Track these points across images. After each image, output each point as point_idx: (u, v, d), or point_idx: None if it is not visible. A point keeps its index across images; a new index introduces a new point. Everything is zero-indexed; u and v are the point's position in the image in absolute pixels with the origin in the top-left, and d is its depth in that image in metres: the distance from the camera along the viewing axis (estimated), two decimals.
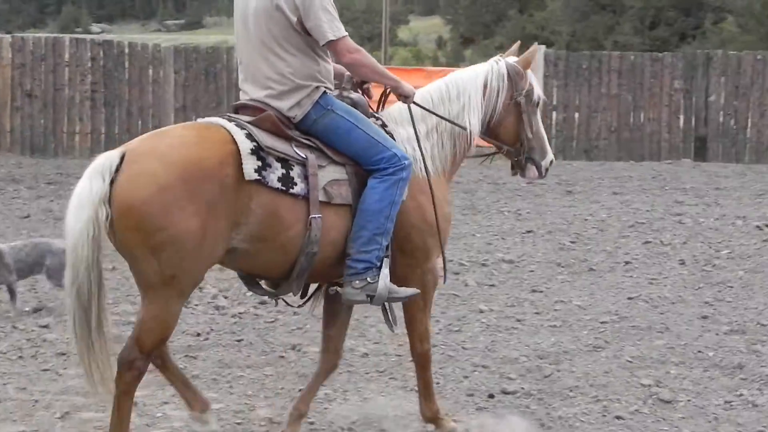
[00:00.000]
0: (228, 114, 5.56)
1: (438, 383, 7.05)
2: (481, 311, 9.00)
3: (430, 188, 5.75)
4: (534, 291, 9.82)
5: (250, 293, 9.26)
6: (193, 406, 5.82)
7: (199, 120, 5.60)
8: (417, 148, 5.81)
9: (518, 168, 6.26)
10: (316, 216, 5.31)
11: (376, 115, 5.92)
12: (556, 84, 22.21)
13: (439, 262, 5.93)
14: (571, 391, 6.92)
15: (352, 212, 5.48)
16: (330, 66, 5.69)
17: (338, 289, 5.66)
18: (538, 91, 6.23)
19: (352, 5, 73.85)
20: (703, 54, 22.97)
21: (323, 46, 5.49)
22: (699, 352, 7.84)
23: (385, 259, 5.51)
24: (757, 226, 13.21)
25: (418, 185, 5.73)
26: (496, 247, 11.94)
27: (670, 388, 6.95)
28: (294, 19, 5.41)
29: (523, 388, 6.96)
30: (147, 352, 5.18)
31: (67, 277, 5.14)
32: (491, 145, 6.29)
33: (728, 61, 22.35)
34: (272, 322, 8.59)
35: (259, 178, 5.17)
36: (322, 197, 5.36)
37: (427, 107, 5.94)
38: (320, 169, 5.42)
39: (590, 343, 8.08)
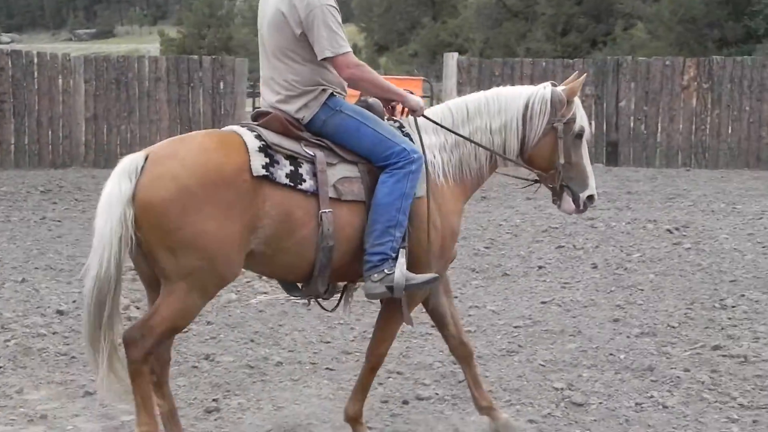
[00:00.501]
0: (246, 122, 5.81)
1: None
2: None
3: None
4: (323, 309, 9.80)
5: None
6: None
7: (221, 129, 5.85)
8: (437, 155, 5.96)
9: (555, 196, 6.22)
10: (327, 211, 5.49)
11: (395, 118, 6.07)
12: (470, 90, 22.20)
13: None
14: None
15: (366, 209, 5.63)
16: (329, 74, 5.83)
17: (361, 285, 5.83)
18: (582, 122, 6.14)
19: None
20: (613, 60, 23.25)
21: (321, 60, 5.67)
22: (610, 354, 7.92)
23: (401, 249, 5.62)
24: (668, 230, 13.39)
25: (433, 190, 5.82)
26: None
27: (582, 391, 7.01)
28: (298, 32, 5.65)
29: (437, 394, 6.98)
30: (156, 335, 5.32)
31: (91, 274, 5.31)
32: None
33: (638, 67, 22.65)
34: (185, 332, 8.50)
35: (267, 174, 5.38)
36: (332, 194, 5.55)
37: (436, 120, 6.03)
38: (330, 166, 5.61)
39: (504, 347, 8.13)
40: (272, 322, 8.85)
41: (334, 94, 5.80)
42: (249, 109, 25.02)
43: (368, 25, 71.43)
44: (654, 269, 11.07)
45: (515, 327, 8.73)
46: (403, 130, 5.93)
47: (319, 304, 6.08)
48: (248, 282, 10.24)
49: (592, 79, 22.34)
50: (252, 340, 8.28)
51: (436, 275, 5.75)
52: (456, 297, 9.74)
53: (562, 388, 7.06)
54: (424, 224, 5.70)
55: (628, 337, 8.45)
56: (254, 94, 25.89)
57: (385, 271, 5.57)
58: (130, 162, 5.30)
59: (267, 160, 5.42)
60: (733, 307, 9.37)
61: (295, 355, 7.91)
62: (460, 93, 21.96)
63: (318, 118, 5.73)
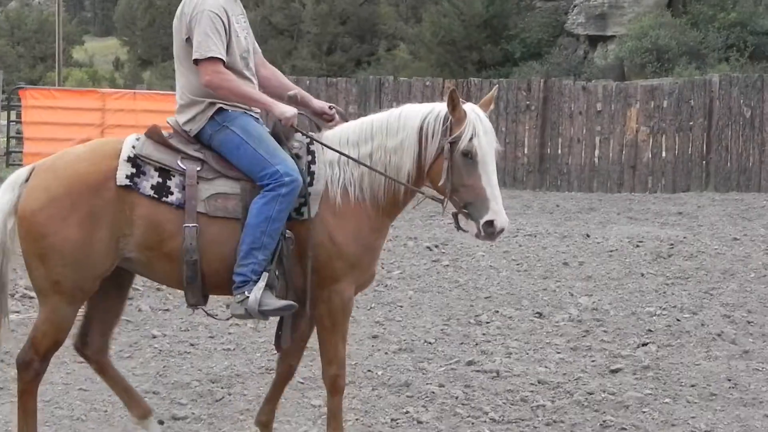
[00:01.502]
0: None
1: (106, 411, 6.91)
2: (154, 336, 8.86)
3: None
4: (209, 315, 9.69)
5: None
6: (134, 413, 6.13)
7: (114, 138, 6.01)
8: (338, 171, 5.84)
9: (456, 221, 5.86)
10: (191, 225, 5.51)
11: (311, 135, 5.96)
12: None
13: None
14: (242, 414, 6.90)
15: (241, 227, 5.61)
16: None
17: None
18: (469, 141, 5.61)
19: (23, 25, 71.51)
20: (376, 80, 23.61)
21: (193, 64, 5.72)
22: (368, 371, 7.99)
23: (264, 272, 5.57)
24: (428, 247, 13.64)
25: (331, 207, 5.77)
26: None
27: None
28: (185, 37, 5.73)
29: (194, 413, 6.89)
30: (42, 354, 5.69)
31: None
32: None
33: (399, 87, 23.08)
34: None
35: (129, 184, 5.53)
36: (201, 209, 5.56)
37: (335, 138, 5.96)
38: (206, 181, 5.62)
39: (263, 365, 8.10)
40: (24, 342, 8.53)
41: (224, 108, 5.77)
42: (3, 122, 24.25)
43: (131, 39, 70.26)
44: (413, 286, 11.26)
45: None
46: (310, 147, 5.89)
47: (206, 312, 6.18)
48: None
49: (355, 98, 22.62)
50: (2, 361, 7.97)
51: (292, 303, 5.65)
52: (216, 315, 9.66)
53: (319, 405, 7.07)
54: (320, 244, 5.69)
55: (386, 353, 8.54)
56: (9, 107, 25.05)
57: (245, 293, 5.57)
58: (15, 175, 5.60)
59: (134, 170, 5.55)
60: (488, 323, 9.61)
61: (47, 376, 7.64)
62: None
63: (205, 132, 5.77)
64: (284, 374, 6.25)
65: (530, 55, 41.76)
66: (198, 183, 5.63)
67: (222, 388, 7.47)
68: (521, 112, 23.25)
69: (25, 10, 79.19)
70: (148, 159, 5.62)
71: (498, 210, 5.58)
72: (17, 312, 9.50)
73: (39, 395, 7.10)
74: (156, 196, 5.57)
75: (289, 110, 5.85)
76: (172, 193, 5.59)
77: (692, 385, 7.76)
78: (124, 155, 5.59)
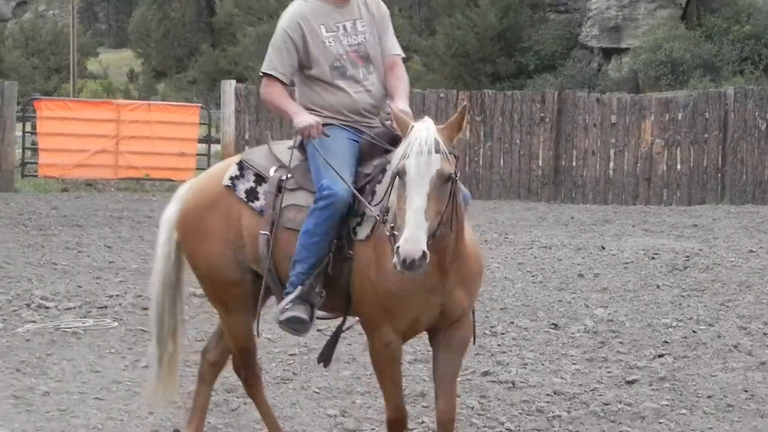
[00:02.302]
0: None
1: (122, 420, 6.91)
2: None
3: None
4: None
5: None
6: None
7: None
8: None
9: None
10: (263, 233, 5.65)
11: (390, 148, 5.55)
12: (248, 118, 22.37)
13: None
14: (258, 424, 6.88)
15: None
16: (329, 96, 5.90)
17: None
18: (399, 160, 5.11)
19: (38, 36, 71.79)
20: None
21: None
22: None
23: (299, 285, 5.58)
24: None
25: (381, 236, 5.39)
26: (186, 282, 11.77)
27: (355, 418, 7.05)
28: None
29: (209, 423, 6.87)
30: (238, 362, 6.28)
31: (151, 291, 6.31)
32: None
33: (413, 99, 22.93)
34: None
35: (229, 184, 5.82)
36: (277, 218, 5.70)
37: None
38: (288, 191, 5.73)
39: (278, 375, 8.09)
40: (40, 351, 8.57)
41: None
42: (19, 133, 24.33)
43: (145, 51, 70.48)
44: None
45: (290, 355, 8.71)
46: (386, 167, 5.52)
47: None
48: (15, 311, 9.90)
49: None
50: (18, 370, 7.99)
51: (303, 319, 5.62)
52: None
53: (335, 415, 7.07)
54: (359, 273, 5.50)
55: (401, 363, 8.50)
56: (24, 118, 25.14)
57: (283, 303, 5.67)
58: (180, 188, 6.06)
59: (237, 173, 5.83)
60: (503, 333, 9.59)
61: (63, 385, 7.67)
62: (238, 121, 21.99)
63: (304, 144, 5.83)
64: None
65: (544, 67, 41.82)
66: (280, 192, 5.71)
67: (238, 397, 7.45)
68: (535, 124, 23.25)
69: (40, 21, 79.50)
70: (249, 164, 5.87)
71: (408, 238, 4.89)
72: (33, 321, 9.52)
73: (55, 404, 7.16)
74: (246, 199, 5.79)
75: (302, 121, 5.73)
76: (258, 199, 5.77)
77: (709, 396, 7.74)
78: (237, 160, 5.92)
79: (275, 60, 5.91)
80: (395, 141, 5.36)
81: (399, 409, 5.67)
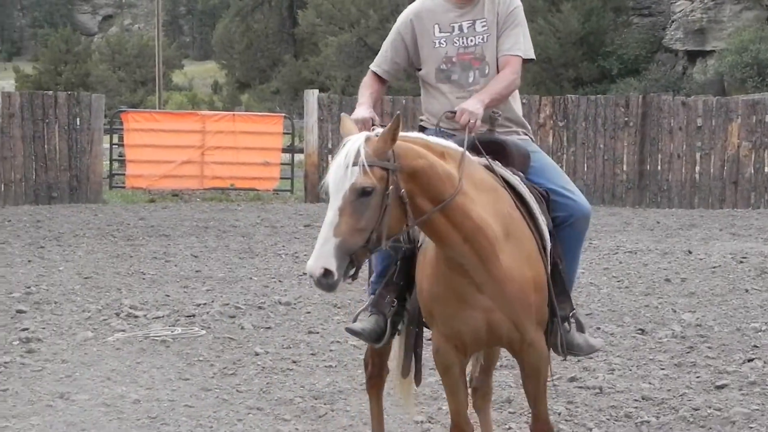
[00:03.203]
0: None
1: (212, 427, 6.98)
2: (257, 354, 8.93)
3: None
4: (310, 332, 9.80)
5: (17, 342, 9.07)
6: None
7: None
8: None
9: None
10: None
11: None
12: (331, 127, 22.47)
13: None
14: (345, 430, 6.94)
15: None
16: (432, 100, 5.93)
17: None
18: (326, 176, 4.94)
19: (124, 50, 72.86)
20: None
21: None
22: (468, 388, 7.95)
23: (371, 295, 5.84)
24: None
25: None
26: (273, 290, 11.91)
27: (442, 424, 7.04)
28: None
29: (297, 429, 6.93)
30: (369, 357, 6.38)
31: None
32: None
33: None
34: (39, 370, 8.32)
35: None
36: None
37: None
38: None
39: (365, 382, 8.11)
40: (130, 359, 8.70)
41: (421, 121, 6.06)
42: (106, 145, 24.72)
43: (229, 62, 71.18)
44: None
45: None
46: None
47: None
48: (105, 320, 10.06)
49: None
50: (108, 378, 8.13)
51: (361, 331, 5.62)
52: (318, 333, 9.76)
53: (422, 422, 7.08)
54: (415, 276, 5.59)
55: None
56: (111, 130, 25.55)
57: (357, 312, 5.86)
58: None
59: None
60: None
61: (153, 392, 7.78)
62: (321, 130, 22.14)
63: None
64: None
65: (627, 71, 41.48)
66: None
67: (325, 404, 7.51)
68: (619, 128, 23.08)
69: (126, 35, 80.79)
70: None
71: (312, 254, 4.72)
72: (122, 330, 9.67)
73: (145, 412, 7.26)
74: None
75: (354, 114, 5.56)
76: None
77: None
78: None
79: (380, 55, 5.96)
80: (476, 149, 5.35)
81: (457, 414, 5.58)
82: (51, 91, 24.38)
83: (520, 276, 5.15)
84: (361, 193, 4.70)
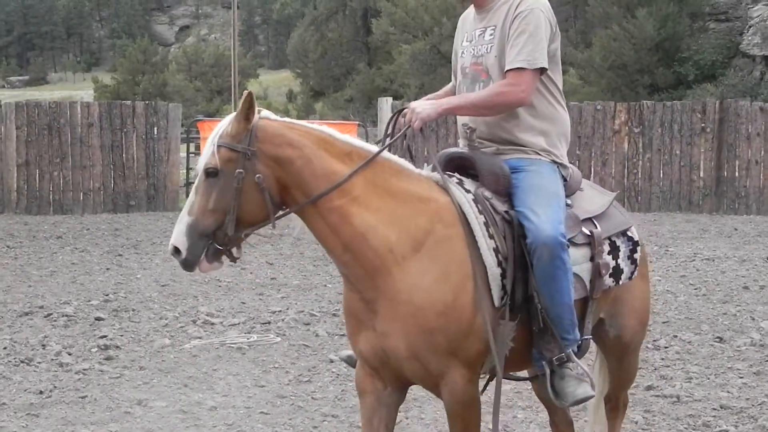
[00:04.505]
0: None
1: None
2: (332, 361, 8.96)
3: None
4: None
5: (96, 350, 9.18)
6: None
7: None
8: None
9: None
10: None
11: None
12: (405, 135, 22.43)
13: None
14: None
15: None
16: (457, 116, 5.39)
17: None
18: None
19: (200, 60, 73.58)
20: None
21: None
22: (529, 388, 7.91)
23: None
24: None
25: None
26: (336, 301, 11.91)
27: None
28: None
29: None
30: None
31: None
32: None
33: (570, 112, 22.73)
34: (118, 377, 8.42)
35: None
36: None
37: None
38: None
39: None
40: (206, 366, 8.78)
41: None
42: (183, 154, 24.96)
43: (303, 71, 71.62)
44: None
45: None
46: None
47: None
48: (181, 327, 10.16)
49: None
50: (185, 385, 8.21)
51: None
52: None
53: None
54: None
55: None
56: (188, 139, 25.80)
57: None
58: None
59: None
60: (666, 347, 9.44)
61: (230, 399, 7.83)
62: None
63: None
64: None
65: (704, 77, 41.00)
66: None
67: (400, 412, 7.49)
68: (696, 134, 22.85)
69: (202, 45, 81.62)
70: None
71: (174, 233, 4.72)
72: (199, 338, 9.76)
73: (221, 419, 7.32)
74: None
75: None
76: None
77: None
78: None
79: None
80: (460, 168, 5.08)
81: None
82: (129, 101, 24.67)
83: (422, 298, 4.56)
84: (207, 174, 4.61)
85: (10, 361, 8.84)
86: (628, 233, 5.40)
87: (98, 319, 10.51)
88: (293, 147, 4.65)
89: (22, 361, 8.84)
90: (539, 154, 5.09)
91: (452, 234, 4.67)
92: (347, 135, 4.90)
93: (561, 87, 5.28)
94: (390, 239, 4.61)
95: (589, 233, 5.10)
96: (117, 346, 9.37)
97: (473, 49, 5.23)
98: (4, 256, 15.03)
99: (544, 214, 4.77)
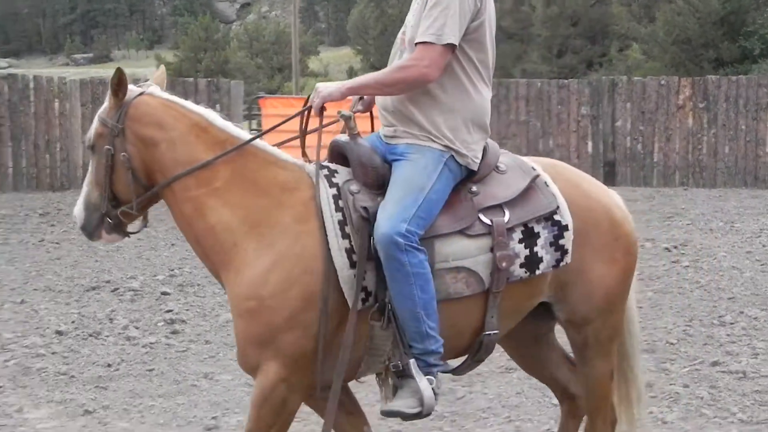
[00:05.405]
0: None
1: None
2: None
3: None
4: None
5: (162, 324, 9.28)
6: None
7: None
8: None
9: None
10: None
11: None
12: None
13: None
14: (483, 412, 6.94)
15: None
16: None
17: None
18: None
19: (261, 37, 73.80)
20: (609, 80, 23.32)
21: None
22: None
23: None
24: (666, 248, 13.39)
25: None
26: None
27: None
28: None
29: (436, 411, 6.93)
30: None
31: None
32: None
33: (633, 87, 22.72)
34: (184, 351, 8.51)
35: None
36: None
37: None
38: None
39: (503, 365, 8.10)
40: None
41: None
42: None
43: (364, 48, 71.60)
44: (653, 287, 11.06)
45: None
46: None
47: None
48: None
49: (587, 99, 22.41)
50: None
51: None
52: None
53: (559, 404, 7.04)
54: None
55: None
56: (250, 116, 25.94)
57: None
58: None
59: None
60: (732, 323, 9.36)
61: None
62: None
63: None
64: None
65: None
66: None
67: (463, 386, 7.51)
68: (762, 109, 22.55)
69: (263, 22, 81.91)
70: None
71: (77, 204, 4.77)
72: None
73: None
74: None
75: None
76: None
77: None
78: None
79: None
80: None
81: None
82: (191, 78, 24.84)
83: (248, 286, 4.38)
84: (88, 147, 4.67)
85: (78, 335, 8.97)
86: (555, 217, 4.73)
87: (164, 293, 10.63)
88: (161, 129, 4.54)
89: (90, 335, 8.96)
90: (432, 139, 4.61)
91: (302, 229, 4.43)
92: (229, 122, 4.70)
93: (489, 67, 4.76)
94: (239, 234, 4.45)
95: (489, 222, 4.59)
96: (183, 320, 9.47)
97: (407, 19, 4.87)
98: (71, 232, 15.20)
99: (389, 210, 4.37)
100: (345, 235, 4.39)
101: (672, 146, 22.60)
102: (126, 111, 4.53)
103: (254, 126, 26.08)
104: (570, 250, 4.74)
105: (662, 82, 23.05)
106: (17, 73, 23.40)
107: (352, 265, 4.35)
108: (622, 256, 4.93)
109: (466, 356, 4.87)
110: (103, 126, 4.58)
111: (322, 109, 4.67)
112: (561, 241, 4.71)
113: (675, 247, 13.46)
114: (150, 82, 4.77)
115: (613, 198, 5.06)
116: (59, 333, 9.04)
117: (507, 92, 22.61)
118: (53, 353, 8.45)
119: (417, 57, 4.51)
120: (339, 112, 4.72)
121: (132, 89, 4.63)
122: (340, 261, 4.35)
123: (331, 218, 4.42)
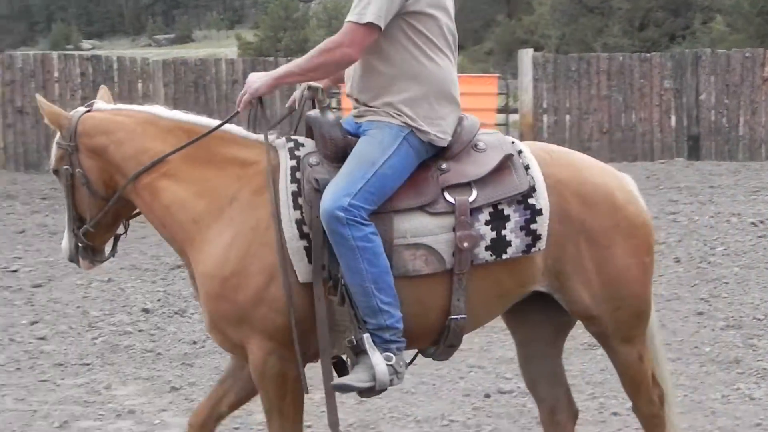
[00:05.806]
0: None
1: (434, 384, 7.07)
2: None
3: None
4: None
5: None
6: None
7: None
8: None
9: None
10: None
11: None
12: (546, 87, 22.23)
13: None
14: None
15: None
16: None
17: None
18: None
19: (340, 15, 73.86)
20: (692, 53, 23.00)
21: None
22: (695, 347, 7.84)
23: None
24: (752, 223, 13.21)
25: None
26: None
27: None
28: None
29: (519, 387, 6.95)
30: None
31: None
32: None
33: (717, 60, 22.37)
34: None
35: None
36: None
37: None
38: None
39: (586, 341, 8.04)
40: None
41: None
42: None
43: None
44: (739, 262, 10.92)
45: None
46: None
47: None
48: None
49: (670, 72, 22.12)
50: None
51: None
52: None
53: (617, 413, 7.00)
54: None
55: (713, 330, 8.36)
56: (330, 94, 25.97)
57: None
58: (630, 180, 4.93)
59: None
60: None
61: None
62: (536, 89, 21.93)
63: None
64: None
65: None
66: None
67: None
68: None
69: (342, 0, 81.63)
70: None
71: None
72: None
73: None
74: None
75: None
76: None
77: None
78: None
79: None
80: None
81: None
82: (272, 58, 24.93)
83: (211, 264, 4.42)
84: (52, 171, 4.87)
85: (164, 313, 9.09)
86: (529, 200, 4.54)
87: None
88: (107, 134, 4.65)
89: (176, 313, 9.09)
90: (392, 115, 4.57)
91: (258, 201, 4.47)
92: (178, 112, 4.81)
93: (446, 36, 4.78)
94: (196, 210, 4.52)
95: (452, 201, 4.50)
96: None
97: None
98: None
99: (335, 185, 4.37)
100: (297, 206, 4.41)
101: (758, 119, 22.21)
102: (75, 129, 4.67)
103: (334, 104, 26.10)
104: (544, 236, 4.54)
105: (747, 54, 22.67)
106: (101, 55, 23.63)
107: (302, 236, 4.37)
108: (623, 240, 4.68)
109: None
110: (60, 149, 4.74)
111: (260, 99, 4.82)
112: (533, 226, 4.53)
113: (761, 222, 13.26)
114: (95, 101, 4.88)
115: (620, 181, 4.83)
116: (146, 311, 9.18)
117: (588, 67, 22.38)
118: (140, 331, 8.58)
119: (337, 39, 4.55)
120: (307, 85, 4.77)
121: (78, 109, 4.79)
122: (290, 231, 4.37)
123: (286, 189, 4.45)
